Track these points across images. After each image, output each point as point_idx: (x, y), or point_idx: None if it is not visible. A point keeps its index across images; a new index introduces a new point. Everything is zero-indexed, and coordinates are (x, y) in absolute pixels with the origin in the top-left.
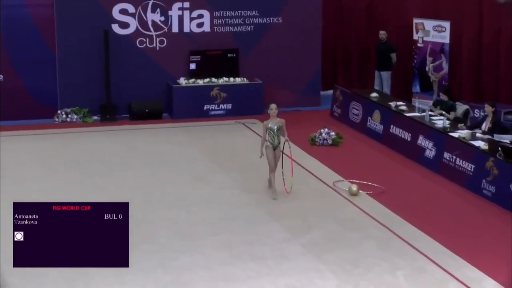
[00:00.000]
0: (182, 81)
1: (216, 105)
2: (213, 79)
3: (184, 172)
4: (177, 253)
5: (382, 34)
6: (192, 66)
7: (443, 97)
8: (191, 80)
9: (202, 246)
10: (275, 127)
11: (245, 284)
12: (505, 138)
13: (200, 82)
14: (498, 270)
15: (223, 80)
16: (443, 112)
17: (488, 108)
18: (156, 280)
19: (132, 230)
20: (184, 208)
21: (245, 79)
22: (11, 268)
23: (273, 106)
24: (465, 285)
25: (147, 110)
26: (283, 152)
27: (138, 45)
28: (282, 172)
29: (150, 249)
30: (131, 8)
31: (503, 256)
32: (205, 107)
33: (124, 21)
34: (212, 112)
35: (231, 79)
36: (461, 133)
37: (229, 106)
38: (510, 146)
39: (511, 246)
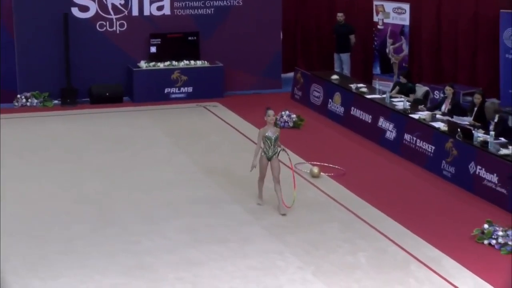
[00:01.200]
0: (143, 64)
1: (177, 88)
2: (174, 63)
3: (146, 156)
4: (139, 236)
5: (340, 16)
6: (153, 49)
7: (402, 79)
8: (152, 64)
9: (164, 230)
10: (273, 137)
11: (208, 267)
12: (464, 120)
13: (161, 65)
14: (457, 249)
15: (183, 63)
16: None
17: (448, 90)
18: (118, 264)
19: (95, 214)
20: (146, 192)
21: (205, 62)
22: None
23: (270, 112)
24: (425, 265)
25: (107, 94)
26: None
27: (98, 28)
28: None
29: (112, 233)
30: None
31: (462, 235)
32: (166, 90)
33: (84, 4)
34: (173, 96)
35: (192, 62)
36: (421, 114)
37: (190, 89)
38: (469, 127)
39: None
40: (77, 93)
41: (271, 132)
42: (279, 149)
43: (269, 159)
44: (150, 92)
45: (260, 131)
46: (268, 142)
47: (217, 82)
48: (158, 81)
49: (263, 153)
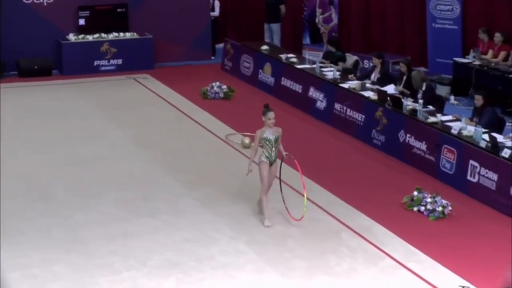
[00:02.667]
0: (71, 37)
1: (107, 61)
2: (103, 35)
3: (77, 129)
4: (72, 211)
5: None
6: (81, 21)
7: (331, 48)
8: (81, 36)
9: (97, 204)
10: (273, 138)
11: (142, 240)
12: (394, 88)
13: (90, 37)
14: (387, 217)
15: (112, 35)
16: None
17: (376, 60)
18: (51, 239)
19: (27, 189)
20: (78, 165)
21: (135, 34)
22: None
23: (271, 115)
24: (357, 233)
25: (36, 67)
26: (281, 170)
27: (24, 0)
28: (283, 197)
29: (45, 208)
30: None
31: (392, 203)
32: (95, 62)
33: None
34: (103, 68)
35: (121, 34)
36: (351, 84)
37: (120, 61)
38: (398, 95)
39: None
40: (5, 66)
41: (269, 133)
42: (284, 154)
43: (271, 164)
44: (79, 64)
45: (257, 133)
46: (269, 144)
47: (147, 54)
48: (87, 53)
49: (265, 158)
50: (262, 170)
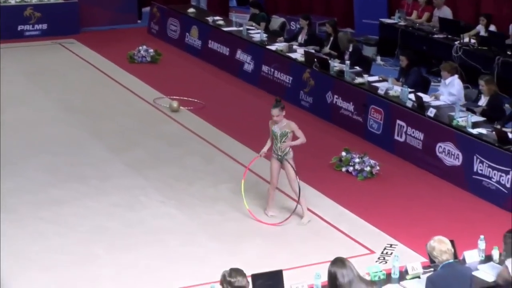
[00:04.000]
0: None
1: (31, 26)
2: None
3: (2, 95)
4: None
5: None
6: None
7: (254, 10)
8: (2, 0)
9: (24, 169)
10: (279, 132)
11: (70, 205)
12: (321, 50)
13: (12, 1)
14: (317, 178)
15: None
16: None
17: (303, 21)
18: None
19: None
20: (3, 131)
21: None
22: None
23: (274, 112)
24: (286, 194)
25: None
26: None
27: None
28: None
29: None
30: None
31: (321, 163)
32: (19, 28)
33: None
34: (27, 33)
35: None
36: (278, 46)
37: (45, 26)
38: (325, 57)
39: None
40: None
41: (277, 126)
42: (288, 151)
43: (280, 160)
44: (3, 30)
45: (270, 122)
46: (275, 138)
47: (72, 18)
48: (11, 18)
49: (274, 153)
50: (270, 165)
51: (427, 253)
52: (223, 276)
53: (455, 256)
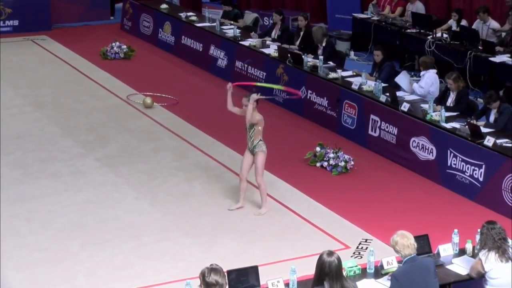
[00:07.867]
0: None
1: (2, 22)
2: None
3: None
4: None
5: None
6: None
7: (226, 8)
8: None
9: None
10: (248, 124)
11: (43, 202)
12: (294, 45)
13: None
14: (290, 173)
15: None
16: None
17: (277, 16)
18: None
19: None
20: None
21: None
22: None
23: (244, 100)
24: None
25: None
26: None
27: None
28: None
29: None
30: None
31: (295, 158)
32: None
33: None
34: None
35: None
36: (252, 41)
37: (16, 22)
38: (298, 52)
39: None
40: None
41: (247, 119)
42: (257, 142)
43: (252, 152)
44: None
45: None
46: (247, 129)
47: (44, 14)
48: None
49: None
50: (244, 155)
51: (391, 247)
52: (202, 274)
53: (429, 249)
